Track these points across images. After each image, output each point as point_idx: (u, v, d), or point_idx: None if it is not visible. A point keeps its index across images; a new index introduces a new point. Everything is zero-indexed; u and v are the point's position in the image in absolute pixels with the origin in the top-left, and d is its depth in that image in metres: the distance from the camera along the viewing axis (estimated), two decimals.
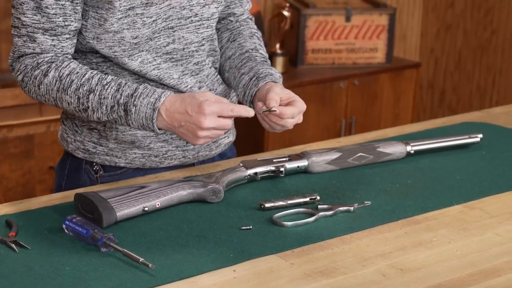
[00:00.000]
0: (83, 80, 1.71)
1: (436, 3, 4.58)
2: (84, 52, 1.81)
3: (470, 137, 2.05)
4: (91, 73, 1.72)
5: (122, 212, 1.60)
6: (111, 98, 1.69)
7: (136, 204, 1.63)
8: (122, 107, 1.69)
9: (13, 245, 1.51)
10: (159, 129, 1.69)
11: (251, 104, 1.82)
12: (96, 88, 1.70)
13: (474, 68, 4.51)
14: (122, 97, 1.69)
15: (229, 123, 1.66)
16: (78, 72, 1.72)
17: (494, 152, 2.05)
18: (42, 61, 1.74)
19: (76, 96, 1.71)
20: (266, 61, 1.89)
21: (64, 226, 1.57)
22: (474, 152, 2.04)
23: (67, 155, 1.93)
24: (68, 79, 1.72)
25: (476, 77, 4.51)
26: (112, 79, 1.71)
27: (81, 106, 1.72)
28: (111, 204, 1.60)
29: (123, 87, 1.70)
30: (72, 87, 1.71)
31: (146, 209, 1.64)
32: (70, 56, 1.77)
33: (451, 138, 2.04)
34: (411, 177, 1.89)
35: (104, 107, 1.70)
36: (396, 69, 4.06)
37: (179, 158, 1.89)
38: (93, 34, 1.75)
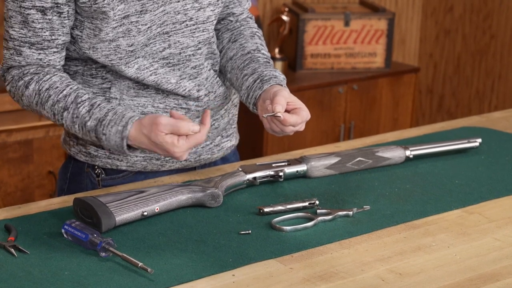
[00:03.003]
0: (60, 96, 1.73)
1: (435, 8, 4.59)
2: (83, 60, 1.81)
3: (469, 142, 2.05)
4: (71, 88, 1.73)
5: (121, 216, 1.60)
6: (81, 118, 1.71)
7: (135, 208, 1.63)
8: (93, 133, 1.71)
9: (12, 250, 1.51)
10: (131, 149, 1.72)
11: (254, 106, 1.81)
12: (71, 106, 1.72)
13: (473, 73, 4.51)
14: (91, 120, 1.70)
15: (185, 125, 1.64)
16: (57, 87, 1.73)
17: (493, 157, 2.05)
18: (27, 72, 1.76)
19: (52, 112, 1.74)
20: (269, 62, 1.88)
21: (63, 230, 1.57)
22: (473, 157, 2.04)
23: (70, 158, 1.93)
24: (46, 93, 1.73)
25: (475, 81, 4.51)
26: (88, 97, 1.73)
27: (57, 122, 1.75)
28: (110, 209, 1.60)
29: (95, 108, 1.71)
30: (48, 103, 1.73)
31: (145, 213, 1.64)
32: (58, 68, 1.78)
33: (450, 143, 2.04)
34: (410, 181, 1.89)
35: (76, 126, 1.72)
36: (395, 74, 4.06)
37: (180, 162, 1.89)
38: (88, 45, 1.76)
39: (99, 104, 1.71)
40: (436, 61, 4.65)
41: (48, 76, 1.74)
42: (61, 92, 1.73)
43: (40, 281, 1.42)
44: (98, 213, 1.58)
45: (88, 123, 1.70)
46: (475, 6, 4.43)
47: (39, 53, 1.74)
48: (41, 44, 1.73)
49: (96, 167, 1.88)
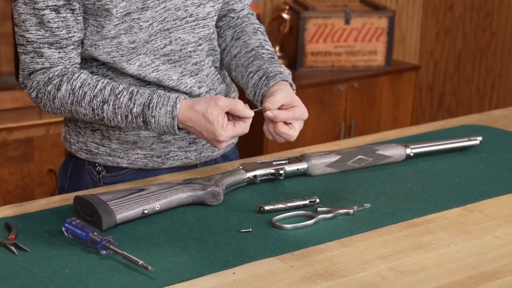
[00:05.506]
0: (95, 91, 1.72)
1: (435, 6, 4.59)
2: (83, 58, 1.81)
3: (469, 140, 2.05)
4: (102, 83, 1.73)
5: (122, 214, 1.60)
6: (125, 107, 1.71)
7: (136, 206, 1.63)
8: (141, 118, 1.71)
9: (13, 248, 1.51)
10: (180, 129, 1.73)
11: (261, 104, 1.81)
12: (110, 98, 1.72)
13: (473, 71, 4.51)
14: (136, 106, 1.70)
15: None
16: (89, 83, 1.73)
17: (493, 155, 2.05)
18: (53, 75, 1.75)
19: (91, 108, 1.73)
20: (273, 57, 1.88)
21: (63, 229, 1.57)
22: (474, 155, 2.04)
23: (70, 156, 1.93)
24: (81, 91, 1.73)
25: (475, 80, 4.51)
26: (124, 87, 1.73)
27: (96, 116, 1.74)
28: (111, 207, 1.60)
29: (136, 95, 1.71)
30: (85, 99, 1.73)
31: (146, 211, 1.64)
32: (79, 66, 1.78)
33: (450, 141, 2.04)
34: (410, 179, 1.89)
35: (119, 117, 1.72)
36: (396, 72, 4.06)
37: (181, 159, 1.89)
38: (90, 42, 1.76)
39: (138, 91, 1.72)
40: (437, 59, 4.65)
41: (76, 75, 1.75)
42: (95, 87, 1.73)
43: (40, 279, 1.42)
44: (99, 211, 1.58)
45: (134, 110, 1.71)
46: (476, 4, 4.43)
47: (59, 52, 1.74)
48: (59, 43, 1.73)
49: (97, 164, 1.88)
